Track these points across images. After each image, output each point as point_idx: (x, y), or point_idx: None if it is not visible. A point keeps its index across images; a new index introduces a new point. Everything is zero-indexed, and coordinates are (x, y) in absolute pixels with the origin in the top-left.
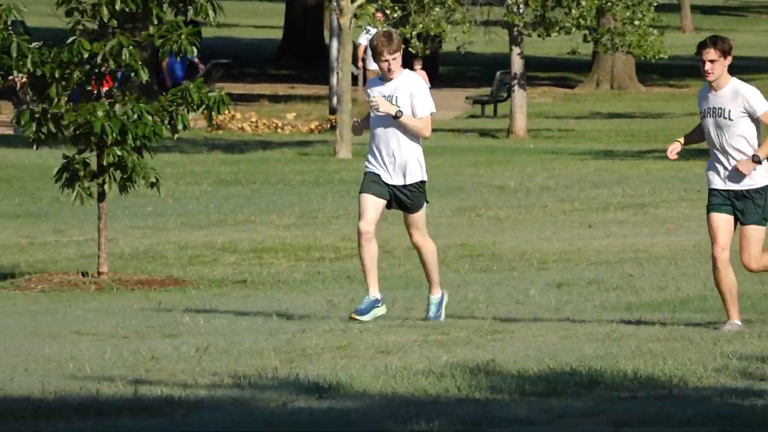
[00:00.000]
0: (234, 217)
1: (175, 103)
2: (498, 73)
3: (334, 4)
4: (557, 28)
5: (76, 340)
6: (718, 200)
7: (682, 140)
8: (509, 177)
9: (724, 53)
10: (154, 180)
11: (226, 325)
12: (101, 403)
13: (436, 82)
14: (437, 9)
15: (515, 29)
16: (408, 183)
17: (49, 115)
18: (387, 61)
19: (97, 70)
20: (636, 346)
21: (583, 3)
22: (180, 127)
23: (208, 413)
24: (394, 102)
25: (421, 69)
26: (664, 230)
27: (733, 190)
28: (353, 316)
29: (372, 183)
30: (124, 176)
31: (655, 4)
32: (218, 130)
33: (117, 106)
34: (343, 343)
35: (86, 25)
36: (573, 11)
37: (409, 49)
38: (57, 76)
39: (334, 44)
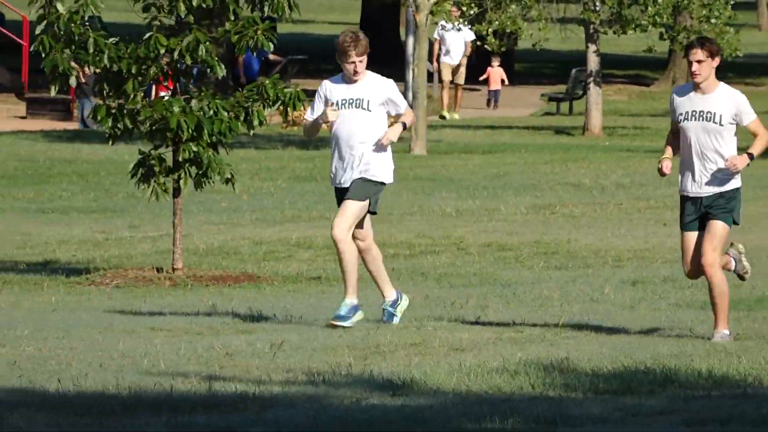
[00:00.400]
0: (309, 213)
1: (250, 99)
2: (573, 71)
3: (411, 0)
4: (633, 26)
5: (151, 336)
6: (689, 215)
7: (670, 154)
8: (584, 174)
9: (712, 54)
10: (229, 176)
11: (301, 322)
12: (175, 399)
13: (512, 79)
14: (513, 6)
15: (591, 26)
16: (366, 177)
17: (125, 111)
18: (354, 62)
19: (173, 66)
20: (710, 345)
21: (660, 0)
22: (255, 123)
23: (282, 410)
24: (365, 106)
25: (499, 66)
26: (738, 228)
27: (704, 197)
28: (332, 322)
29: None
30: (200, 172)
31: (732, 2)
32: (293, 126)
33: (193, 102)
34: (417, 340)
35: (163, 21)
36: (649, 9)
37: (485, 46)
38: (134, 71)
39: (410, 41)
